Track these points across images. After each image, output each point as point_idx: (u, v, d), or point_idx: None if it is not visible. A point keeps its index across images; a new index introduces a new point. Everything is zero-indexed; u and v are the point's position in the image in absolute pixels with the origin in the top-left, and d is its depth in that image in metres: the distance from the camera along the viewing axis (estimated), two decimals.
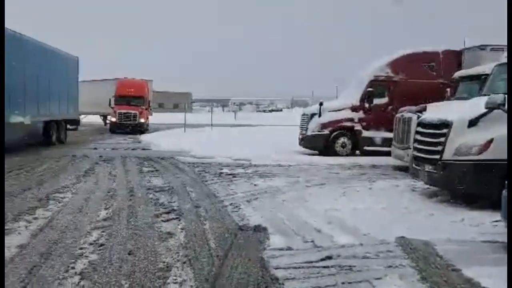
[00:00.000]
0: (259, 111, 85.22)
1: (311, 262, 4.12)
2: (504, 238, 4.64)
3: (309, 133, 13.96)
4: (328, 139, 13.59)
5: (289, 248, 4.55)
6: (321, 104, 14.01)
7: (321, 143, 13.70)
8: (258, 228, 5.26)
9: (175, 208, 6.34)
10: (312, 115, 14.17)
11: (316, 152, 13.92)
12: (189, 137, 18.93)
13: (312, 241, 4.78)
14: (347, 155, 13.39)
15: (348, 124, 13.68)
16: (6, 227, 5.12)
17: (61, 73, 17.46)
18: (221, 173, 9.83)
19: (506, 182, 3.82)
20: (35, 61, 14.74)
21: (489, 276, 3.64)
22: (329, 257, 4.22)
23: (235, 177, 9.26)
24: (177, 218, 5.79)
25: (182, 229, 5.27)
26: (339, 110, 13.94)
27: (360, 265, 4.01)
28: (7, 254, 4.23)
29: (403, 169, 9.70)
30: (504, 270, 3.53)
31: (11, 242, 4.58)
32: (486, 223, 5.41)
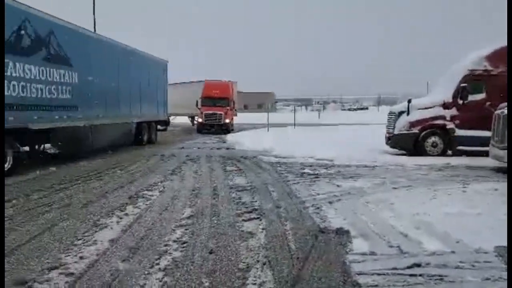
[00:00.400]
0: (344, 109, 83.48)
1: (397, 269, 3.87)
2: None
3: (396, 132, 13.32)
4: (417, 139, 12.87)
5: (372, 253, 4.33)
6: (409, 101, 13.29)
7: (409, 143, 13.01)
8: (340, 231, 5.08)
9: (256, 207, 6.35)
10: (400, 113, 13.50)
11: (404, 152, 13.25)
12: (272, 137, 19.02)
13: (398, 247, 4.50)
14: (438, 155, 12.58)
15: (440, 122, 12.83)
16: (100, 222, 5.49)
17: (153, 77, 18.47)
18: (303, 173, 9.71)
19: (507, 180, 3.28)
20: (127, 66, 15.75)
21: None
22: (417, 265, 3.94)
23: (317, 177, 9.09)
24: (258, 218, 5.79)
25: (263, 229, 5.26)
26: (429, 107, 13.11)
27: (453, 276, 3.68)
28: (101, 247, 4.51)
29: (503, 171, 8.86)
30: None
31: (104, 236, 4.88)
32: None
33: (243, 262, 4.13)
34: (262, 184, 8.26)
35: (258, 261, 4.17)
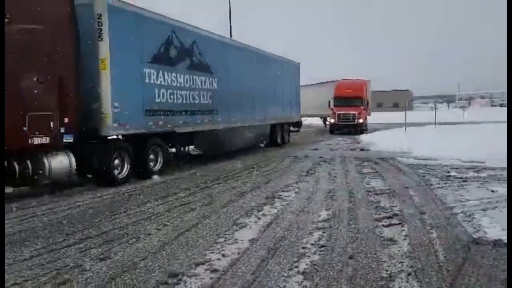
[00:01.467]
0: (494, 105, 75.02)
1: None
2: None
3: None
4: None
5: None
6: None
7: None
8: (499, 243, 4.48)
9: (397, 212, 5.97)
10: None
11: None
12: (409, 137, 17.91)
13: None
14: None
15: None
16: (240, 221, 5.67)
17: (285, 79, 18.80)
18: (448, 176, 8.90)
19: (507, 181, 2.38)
20: (262, 69, 16.26)
21: None
22: None
23: (465, 181, 8.24)
24: (399, 223, 5.42)
25: (405, 236, 4.90)
26: None
27: None
28: (241, 246, 4.64)
29: None
30: None
31: (244, 235, 5.02)
32: None
33: (386, 271, 3.87)
34: (401, 188, 7.76)
35: (402, 270, 3.87)
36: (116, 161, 8.87)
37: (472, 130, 21.21)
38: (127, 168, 9.10)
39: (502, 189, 7.18)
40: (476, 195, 6.92)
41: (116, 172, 8.85)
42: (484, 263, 3.98)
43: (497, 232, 4.86)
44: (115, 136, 9.14)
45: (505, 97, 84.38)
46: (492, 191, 7.15)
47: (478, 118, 32.81)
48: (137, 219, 5.88)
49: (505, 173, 9.03)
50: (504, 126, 23.35)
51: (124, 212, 6.36)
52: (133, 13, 9.26)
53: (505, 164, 9.95)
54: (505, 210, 5.85)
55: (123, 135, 9.26)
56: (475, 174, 8.97)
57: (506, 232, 4.82)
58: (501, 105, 72.55)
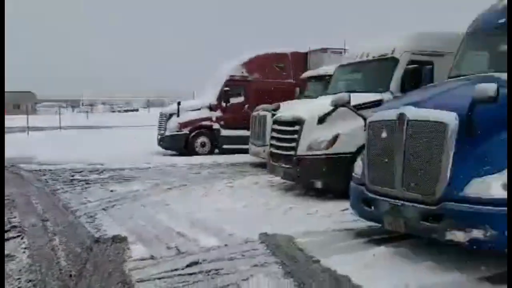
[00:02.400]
0: (113, 111, 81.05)
1: (177, 270, 3.93)
2: (354, 225, 5.10)
3: (167, 133, 13.67)
4: (188, 139, 13.48)
5: (152, 257, 4.28)
6: (179, 103, 13.82)
7: (180, 143, 13.51)
8: (117, 239, 4.86)
9: (15, 224, 5.53)
10: (171, 115, 13.90)
11: (176, 152, 13.68)
12: (33, 142, 17.02)
13: (176, 247, 4.57)
14: (207, 154, 13.43)
15: (207, 123, 13.74)
16: None
17: None
18: (73, 179, 8.99)
19: (507, 182, 3.37)
20: None
21: (345, 263, 3.87)
22: (194, 263, 4.08)
23: (88, 183, 8.54)
24: (18, 236, 5.05)
25: (25, 248, 4.60)
26: (197, 109, 13.92)
27: (227, 268, 3.94)
28: None
29: (261, 166, 10.02)
30: (357, 256, 3.86)
31: None
32: (336, 213, 5.83)
33: None
34: (22, 196, 7.26)
35: (20, 287, 3.62)
36: None
37: (95, 133, 22.22)
38: None
39: (120, 188, 7.88)
40: (98, 196, 7.27)
41: None
42: (104, 260, 4.22)
43: (116, 228, 5.27)
44: None
45: (123, 105, 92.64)
46: (111, 190, 7.70)
47: (102, 123, 34.63)
48: None
49: (122, 173, 9.90)
50: (123, 130, 25.62)
51: None
52: None
53: (122, 165, 10.94)
54: (122, 207, 6.47)
55: None
56: (97, 176, 9.43)
57: (123, 227, 5.32)
58: (118, 111, 79.30)
